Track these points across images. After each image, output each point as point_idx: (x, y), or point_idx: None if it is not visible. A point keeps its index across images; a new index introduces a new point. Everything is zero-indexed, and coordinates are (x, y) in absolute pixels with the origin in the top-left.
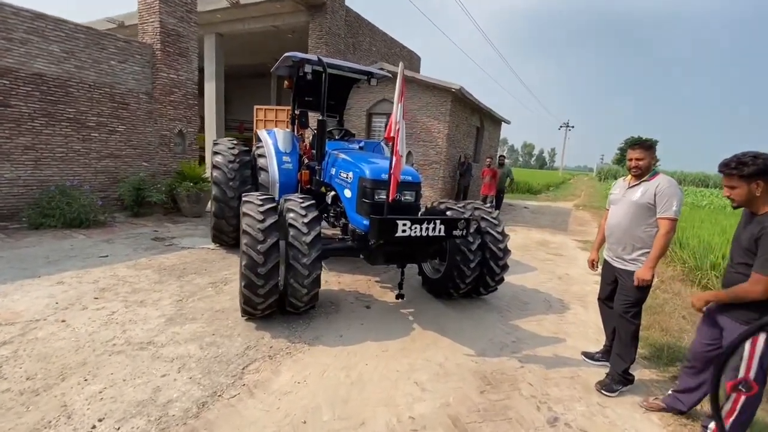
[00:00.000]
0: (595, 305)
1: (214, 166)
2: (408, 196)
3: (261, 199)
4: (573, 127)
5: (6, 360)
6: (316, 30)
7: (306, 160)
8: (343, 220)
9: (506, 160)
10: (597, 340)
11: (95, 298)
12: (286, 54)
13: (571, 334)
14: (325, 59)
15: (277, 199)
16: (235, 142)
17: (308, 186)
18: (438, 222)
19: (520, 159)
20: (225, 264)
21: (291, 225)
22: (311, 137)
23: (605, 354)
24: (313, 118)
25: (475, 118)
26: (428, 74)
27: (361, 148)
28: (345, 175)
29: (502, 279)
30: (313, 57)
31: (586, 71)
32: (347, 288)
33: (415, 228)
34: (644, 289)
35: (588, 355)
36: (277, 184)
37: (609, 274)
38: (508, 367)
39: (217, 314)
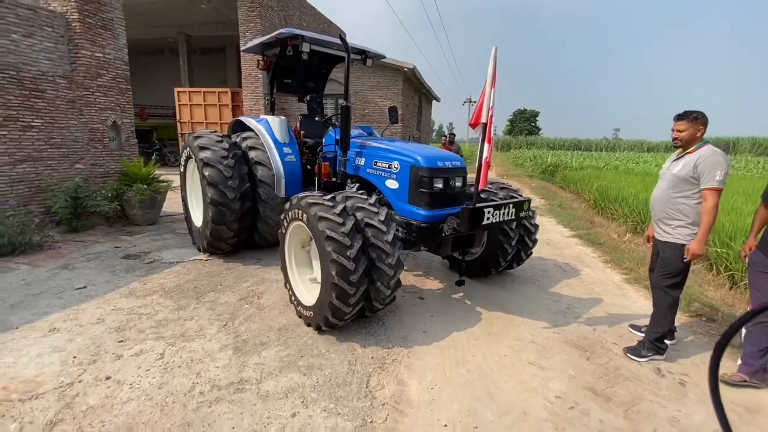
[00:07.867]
0: (596, 264)
1: (206, 164)
2: (458, 182)
3: (327, 200)
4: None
5: None
6: (247, 1)
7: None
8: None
9: (455, 137)
10: (623, 296)
11: (120, 341)
12: (281, 30)
13: (601, 293)
14: (319, 36)
15: (282, 196)
16: (220, 134)
17: (326, 179)
18: (511, 206)
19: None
20: (236, 276)
21: (368, 225)
22: (299, 122)
23: None
24: (286, 102)
25: (417, 97)
26: None
27: (369, 134)
28: (385, 165)
29: (531, 252)
30: (311, 33)
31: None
32: None
33: (496, 214)
34: (682, 261)
35: (635, 327)
36: (283, 180)
37: (655, 247)
38: (584, 332)
39: (283, 333)
